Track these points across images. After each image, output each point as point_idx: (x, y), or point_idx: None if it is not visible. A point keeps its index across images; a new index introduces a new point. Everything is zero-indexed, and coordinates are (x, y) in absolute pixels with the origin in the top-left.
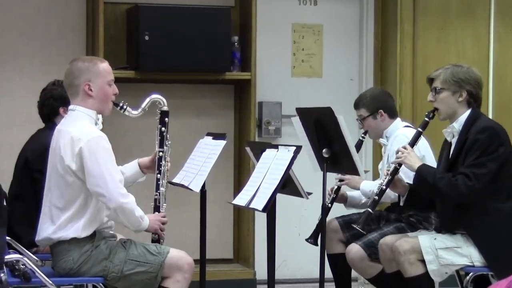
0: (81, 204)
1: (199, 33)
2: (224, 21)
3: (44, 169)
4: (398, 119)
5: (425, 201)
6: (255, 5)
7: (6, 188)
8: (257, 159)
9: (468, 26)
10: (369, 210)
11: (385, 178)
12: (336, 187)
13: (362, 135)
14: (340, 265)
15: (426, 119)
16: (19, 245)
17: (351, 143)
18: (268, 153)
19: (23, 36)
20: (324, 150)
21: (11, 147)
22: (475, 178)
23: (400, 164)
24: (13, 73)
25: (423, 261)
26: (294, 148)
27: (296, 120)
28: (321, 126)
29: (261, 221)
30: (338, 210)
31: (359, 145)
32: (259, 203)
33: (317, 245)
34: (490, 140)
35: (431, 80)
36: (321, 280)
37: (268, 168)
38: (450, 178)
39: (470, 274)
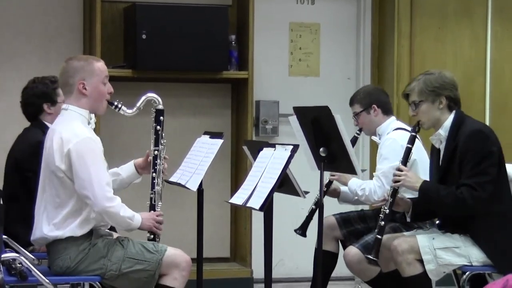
0: (77, 202)
1: (197, 32)
2: (222, 20)
3: (37, 168)
4: (393, 117)
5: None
6: (252, 4)
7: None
8: (254, 158)
9: (466, 25)
10: (378, 236)
11: (387, 201)
12: (327, 181)
13: (357, 131)
14: (324, 263)
15: (412, 133)
16: (16, 244)
17: (348, 142)
18: (265, 152)
19: (21, 34)
20: (321, 149)
21: (8, 145)
22: (480, 188)
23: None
24: (10, 72)
25: (420, 261)
26: (291, 147)
27: (293, 119)
28: (318, 125)
29: (258, 220)
30: (336, 207)
31: (353, 142)
32: (256, 202)
33: (305, 236)
34: (482, 145)
35: (406, 96)
36: (315, 278)
37: (265, 167)
38: (455, 192)
39: (467, 273)
